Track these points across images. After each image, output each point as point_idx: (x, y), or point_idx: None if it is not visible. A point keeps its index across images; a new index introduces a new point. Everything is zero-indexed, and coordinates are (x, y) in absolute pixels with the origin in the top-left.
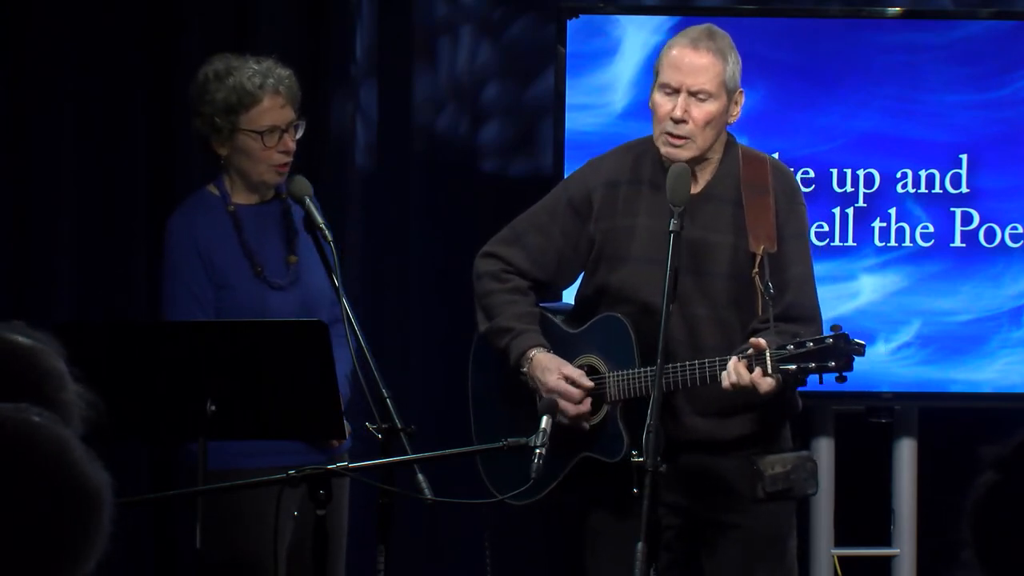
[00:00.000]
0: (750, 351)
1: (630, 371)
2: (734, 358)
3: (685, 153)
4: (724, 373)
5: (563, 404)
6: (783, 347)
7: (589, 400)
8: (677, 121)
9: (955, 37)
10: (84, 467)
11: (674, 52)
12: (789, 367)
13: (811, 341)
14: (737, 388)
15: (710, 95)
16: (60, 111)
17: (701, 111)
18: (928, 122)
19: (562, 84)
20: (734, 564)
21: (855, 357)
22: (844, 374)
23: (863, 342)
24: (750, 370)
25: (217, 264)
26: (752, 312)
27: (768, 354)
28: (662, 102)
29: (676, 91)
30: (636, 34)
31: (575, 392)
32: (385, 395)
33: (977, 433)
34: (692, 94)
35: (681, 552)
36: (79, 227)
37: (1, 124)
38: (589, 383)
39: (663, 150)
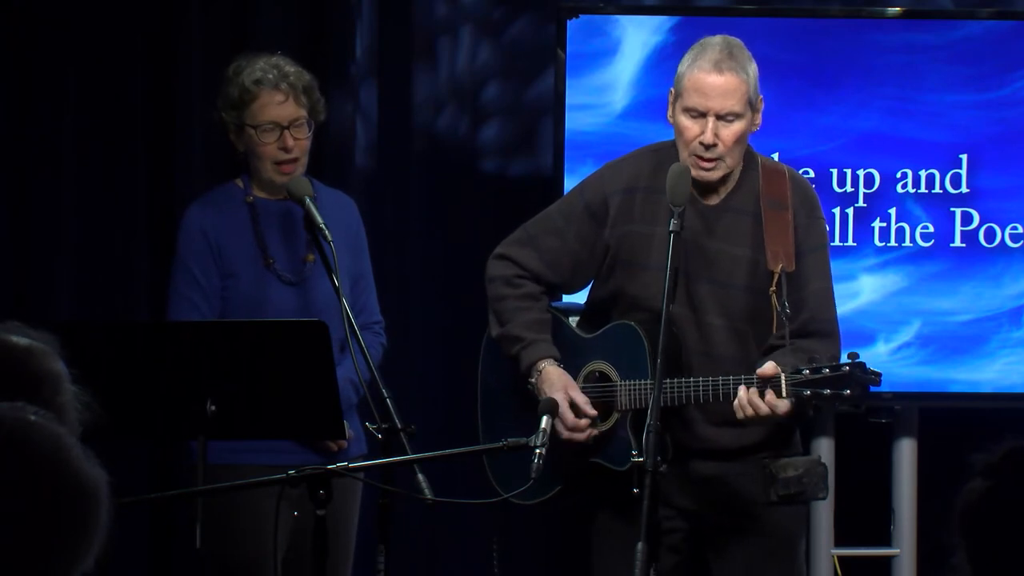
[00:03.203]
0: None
1: (641, 381)
2: (743, 388)
3: (717, 174)
4: (736, 404)
5: (558, 425)
6: (798, 371)
7: (586, 421)
8: (708, 146)
9: (955, 37)
10: (81, 465)
11: (698, 76)
12: (804, 392)
13: (827, 367)
14: (752, 419)
15: (738, 116)
16: (60, 111)
17: (730, 132)
18: (928, 122)
19: (562, 84)
20: (744, 567)
21: (870, 387)
22: (858, 404)
23: (879, 372)
24: (762, 396)
25: (225, 253)
26: (768, 326)
27: (783, 379)
28: (689, 125)
29: (702, 115)
30: (636, 34)
31: (571, 418)
32: (385, 395)
33: (977, 433)
34: (720, 117)
35: (688, 555)
36: (79, 227)
37: (1, 124)
38: (592, 411)
39: (694, 172)
